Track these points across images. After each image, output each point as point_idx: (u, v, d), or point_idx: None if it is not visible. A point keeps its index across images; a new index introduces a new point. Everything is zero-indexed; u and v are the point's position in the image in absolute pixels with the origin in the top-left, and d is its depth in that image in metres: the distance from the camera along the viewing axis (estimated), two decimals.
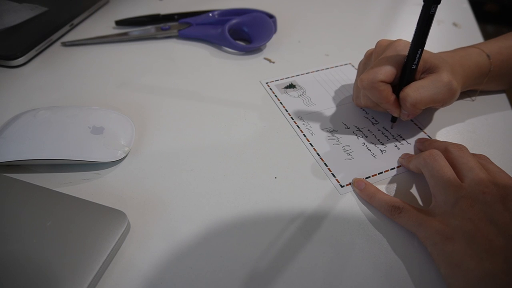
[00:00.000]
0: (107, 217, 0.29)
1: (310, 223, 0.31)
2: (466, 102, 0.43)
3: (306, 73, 0.47)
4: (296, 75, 0.47)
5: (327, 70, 0.48)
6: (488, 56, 0.40)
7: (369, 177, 0.34)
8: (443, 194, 0.29)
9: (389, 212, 0.31)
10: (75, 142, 0.34)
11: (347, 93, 0.44)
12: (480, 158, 0.32)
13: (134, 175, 0.34)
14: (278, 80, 0.46)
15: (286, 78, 0.47)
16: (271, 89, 0.45)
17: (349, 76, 0.47)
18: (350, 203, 0.32)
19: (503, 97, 0.44)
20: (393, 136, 0.39)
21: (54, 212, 0.29)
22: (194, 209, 0.32)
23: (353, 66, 0.49)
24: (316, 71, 0.48)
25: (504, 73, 0.41)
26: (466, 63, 0.39)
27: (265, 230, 0.30)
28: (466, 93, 0.44)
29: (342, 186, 0.33)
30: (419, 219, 0.29)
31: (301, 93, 0.44)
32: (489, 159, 0.32)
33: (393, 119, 0.39)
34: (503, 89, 0.45)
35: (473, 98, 0.43)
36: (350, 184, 0.34)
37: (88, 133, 0.35)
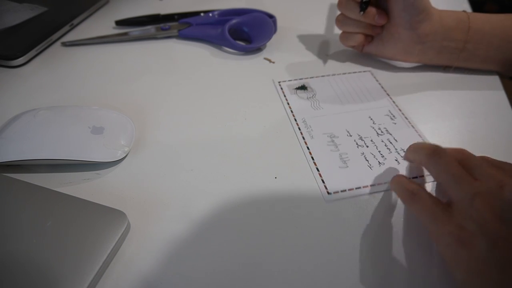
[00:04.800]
0: (107, 217, 0.29)
1: (310, 224, 0.31)
2: (466, 101, 0.43)
3: (322, 76, 0.47)
4: (310, 77, 0.46)
5: (343, 75, 0.47)
6: (463, 11, 0.43)
7: (360, 187, 0.33)
8: (457, 190, 0.27)
9: (404, 195, 0.29)
10: (75, 142, 0.34)
11: (358, 100, 0.43)
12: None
13: (134, 175, 0.34)
14: (291, 80, 0.46)
15: (300, 79, 0.46)
16: (281, 88, 0.44)
17: (366, 83, 0.45)
18: (339, 209, 0.32)
19: (503, 97, 0.44)
20: (395, 149, 0.37)
21: (54, 212, 0.29)
22: (194, 209, 0.32)
23: (372, 74, 0.47)
24: (332, 75, 0.47)
25: (488, 32, 0.43)
26: (444, 12, 0.43)
27: (265, 230, 0.30)
28: (445, 70, 0.46)
29: (329, 194, 0.33)
30: (434, 212, 0.27)
31: (311, 96, 0.43)
32: (490, 158, 0.30)
33: (362, 7, 0.43)
34: (488, 67, 0.45)
35: (450, 69, 0.46)
36: (337, 192, 0.33)
37: (88, 133, 0.35)
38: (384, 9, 0.44)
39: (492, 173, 0.27)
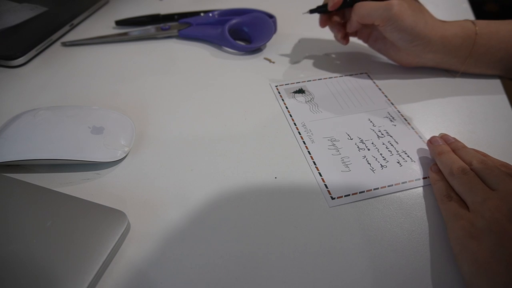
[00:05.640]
0: (107, 217, 0.29)
1: (309, 225, 0.31)
2: (465, 102, 0.43)
3: (318, 79, 0.46)
4: (308, 80, 0.46)
5: (340, 78, 0.47)
6: (472, 22, 0.42)
7: (363, 191, 0.33)
8: (473, 196, 0.29)
9: (440, 196, 0.31)
10: (75, 142, 0.34)
11: (357, 102, 0.43)
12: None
13: (134, 175, 0.34)
14: (288, 84, 0.45)
15: (297, 82, 0.46)
16: (279, 92, 0.44)
17: (363, 85, 0.45)
18: (342, 213, 0.32)
19: (503, 96, 0.44)
20: (397, 151, 0.37)
21: (54, 212, 0.29)
22: (194, 209, 0.32)
23: (369, 75, 0.47)
24: (329, 78, 0.47)
25: (493, 46, 0.42)
26: (450, 30, 0.42)
27: (265, 230, 0.30)
28: (450, 73, 0.46)
29: (332, 198, 0.33)
30: (456, 212, 0.29)
31: (309, 99, 0.43)
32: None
33: (317, 9, 0.45)
34: (494, 72, 0.45)
35: (457, 74, 0.46)
36: (341, 197, 0.33)
37: (88, 133, 0.35)
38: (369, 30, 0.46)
39: (507, 182, 0.29)
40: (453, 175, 0.32)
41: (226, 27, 0.50)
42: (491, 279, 0.24)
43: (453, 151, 0.35)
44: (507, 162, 0.33)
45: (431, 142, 0.36)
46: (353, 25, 0.44)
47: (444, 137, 0.37)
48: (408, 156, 0.37)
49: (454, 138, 0.36)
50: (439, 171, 0.34)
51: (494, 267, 0.25)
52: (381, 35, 0.45)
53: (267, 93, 0.44)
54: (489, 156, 0.34)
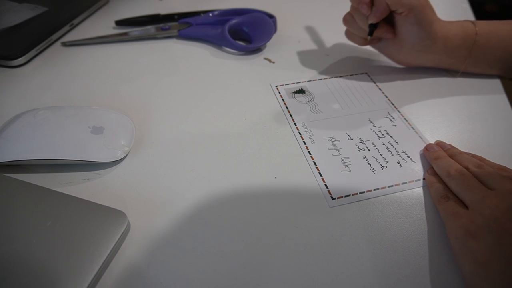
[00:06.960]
0: (107, 217, 0.29)
1: (309, 225, 0.31)
2: (465, 102, 0.43)
3: (319, 79, 0.46)
4: (308, 81, 0.46)
5: (340, 78, 0.47)
6: (472, 23, 0.42)
7: (364, 192, 0.33)
8: (472, 195, 0.29)
9: (437, 197, 0.31)
10: (75, 142, 0.34)
11: (357, 102, 0.43)
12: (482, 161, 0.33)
13: (134, 175, 0.34)
14: (288, 84, 0.45)
15: (297, 82, 0.46)
16: (279, 92, 0.44)
17: (363, 85, 0.45)
18: (342, 214, 0.32)
19: (503, 97, 0.44)
20: (397, 152, 0.37)
21: (54, 212, 0.29)
22: (194, 209, 0.32)
23: (369, 76, 0.47)
24: (329, 78, 0.47)
25: (493, 45, 0.42)
26: (451, 31, 0.42)
27: (265, 230, 0.30)
28: (450, 73, 0.46)
29: (333, 199, 0.33)
30: (455, 212, 0.29)
31: (309, 99, 0.43)
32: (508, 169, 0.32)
33: (370, 31, 0.42)
34: (494, 72, 0.45)
35: (457, 75, 0.46)
36: (341, 197, 0.33)
37: (88, 133, 0.35)
38: (391, 23, 0.44)
39: (504, 182, 0.29)
40: (450, 177, 0.32)
41: (226, 27, 0.50)
42: (491, 278, 0.24)
43: (450, 157, 0.35)
44: (507, 161, 0.33)
45: (427, 149, 0.36)
46: (379, 9, 0.40)
47: (440, 144, 0.37)
48: (408, 157, 0.37)
49: (450, 145, 0.37)
50: (435, 174, 0.34)
51: (494, 266, 0.25)
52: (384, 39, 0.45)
53: (267, 93, 0.44)
54: (486, 160, 0.34)
